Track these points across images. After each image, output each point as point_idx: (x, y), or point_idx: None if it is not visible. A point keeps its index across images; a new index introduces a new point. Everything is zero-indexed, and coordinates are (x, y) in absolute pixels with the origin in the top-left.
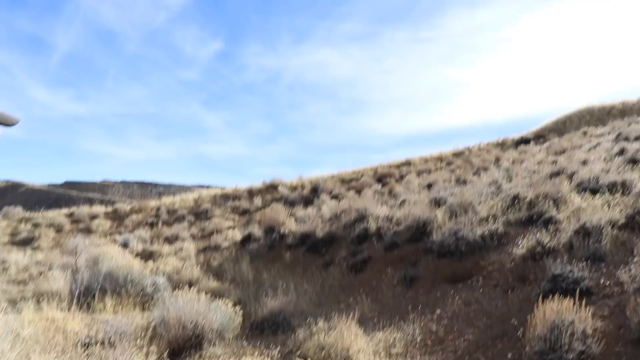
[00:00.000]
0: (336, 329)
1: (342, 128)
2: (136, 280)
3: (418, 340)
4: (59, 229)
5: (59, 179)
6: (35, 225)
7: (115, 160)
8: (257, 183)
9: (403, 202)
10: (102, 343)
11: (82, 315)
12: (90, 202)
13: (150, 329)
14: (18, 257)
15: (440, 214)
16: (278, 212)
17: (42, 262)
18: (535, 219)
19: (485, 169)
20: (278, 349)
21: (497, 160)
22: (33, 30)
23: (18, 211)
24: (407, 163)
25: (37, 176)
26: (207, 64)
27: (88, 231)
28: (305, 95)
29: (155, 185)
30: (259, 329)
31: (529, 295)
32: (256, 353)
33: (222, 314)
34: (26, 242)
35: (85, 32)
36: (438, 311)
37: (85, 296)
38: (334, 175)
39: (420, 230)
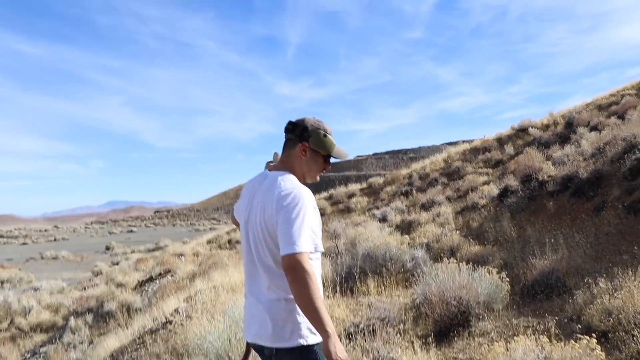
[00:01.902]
0: (623, 288)
1: (587, 49)
2: (395, 257)
3: None
4: (322, 213)
5: None
6: None
7: (363, 134)
8: (505, 129)
9: None
10: (363, 332)
11: (348, 301)
12: (347, 180)
13: (414, 309)
14: None
15: None
16: (531, 158)
17: None
18: None
19: None
20: (555, 318)
21: None
22: (266, 32)
23: None
24: None
25: None
26: (430, 18)
27: (348, 210)
28: (539, 23)
29: (405, 151)
30: (530, 294)
31: None
32: (530, 325)
33: (488, 283)
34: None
35: (310, 20)
36: None
37: (347, 281)
38: (588, 103)
39: None
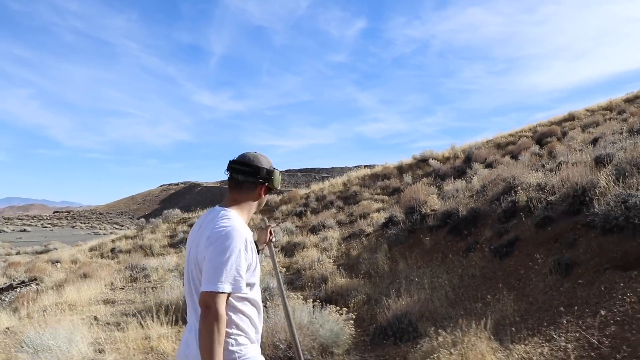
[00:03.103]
0: (463, 342)
1: (500, 89)
2: None
3: (572, 358)
4: None
5: None
6: (191, 226)
7: (279, 150)
8: (407, 158)
9: (561, 164)
10: None
11: (178, 334)
12: (278, 194)
13: None
14: (167, 261)
15: (604, 175)
16: (417, 190)
17: (180, 266)
18: None
19: None
20: None
21: None
22: (190, 40)
23: (176, 213)
24: (571, 118)
25: (210, 175)
26: (354, 44)
27: None
28: (457, 60)
29: (318, 170)
30: (382, 336)
31: None
32: None
33: (332, 324)
34: (183, 243)
35: (236, 32)
36: (602, 312)
37: None
38: (489, 140)
39: (579, 200)
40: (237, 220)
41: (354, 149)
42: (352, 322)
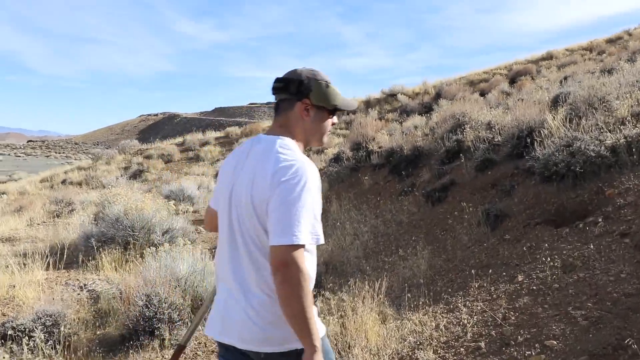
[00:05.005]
0: (349, 307)
1: (487, 28)
2: (147, 226)
3: (468, 337)
4: (168, 159)
5: (210, 107)
6: (147, 157)
7: (260, 82)
8: (375, 92)
9: (516, 102)
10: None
11: (71, 275)
12: (239, 126)
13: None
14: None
15: (556, 116)
16: (367, 124)
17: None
18: None
19: None
20: None
21: None
22: None
23: (134, 144)
24: (549, 57)
25: (190, 105)
26: None
27: (197, 159)
28: None
29: None
30: None
31: None
32: None
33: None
34: (136, 175)
35: None
36: (519, 278)
37: (92, 249)
38: (462, 77)
39: (524, 142)
40: (300, 152)
41: (338, 83)
42: None
